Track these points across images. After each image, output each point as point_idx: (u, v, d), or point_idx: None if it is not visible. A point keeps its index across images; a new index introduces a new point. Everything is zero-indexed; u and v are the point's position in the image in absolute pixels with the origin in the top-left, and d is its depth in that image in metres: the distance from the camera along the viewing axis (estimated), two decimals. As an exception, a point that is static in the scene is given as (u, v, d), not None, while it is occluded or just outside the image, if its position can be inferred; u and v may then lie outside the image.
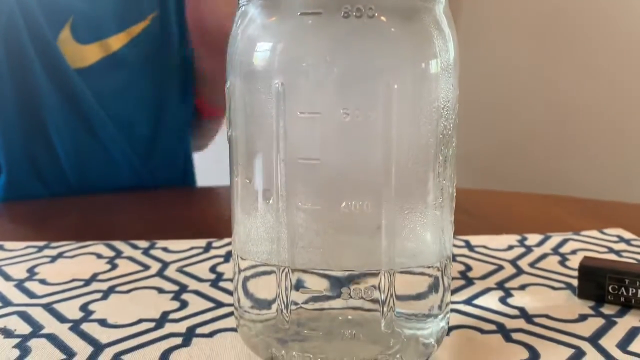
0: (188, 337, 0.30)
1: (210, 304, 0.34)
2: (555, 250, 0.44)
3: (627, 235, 0.47)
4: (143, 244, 0.45)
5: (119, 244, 0.45)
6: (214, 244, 0.45)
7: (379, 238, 0.26)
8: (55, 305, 0.34)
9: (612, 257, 0.42)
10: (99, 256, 0.43)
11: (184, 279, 0.38)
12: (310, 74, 0.25)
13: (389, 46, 0.25)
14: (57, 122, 0.64)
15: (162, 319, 0.32)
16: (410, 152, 0.25)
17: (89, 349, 0.29)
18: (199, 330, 0.31)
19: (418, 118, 0.25)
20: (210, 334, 0.31)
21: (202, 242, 0.45)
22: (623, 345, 0.29)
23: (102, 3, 0.65)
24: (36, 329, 0.31)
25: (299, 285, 0.27)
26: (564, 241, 0.45)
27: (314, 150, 0.25)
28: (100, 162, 0.68)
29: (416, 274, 0.28)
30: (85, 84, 0.64)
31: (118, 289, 0.37)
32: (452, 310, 0.33)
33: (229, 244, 0.45)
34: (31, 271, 0.40)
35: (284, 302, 0.27)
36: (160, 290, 0.36)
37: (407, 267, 0.27)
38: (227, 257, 0.42)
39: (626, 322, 0.32)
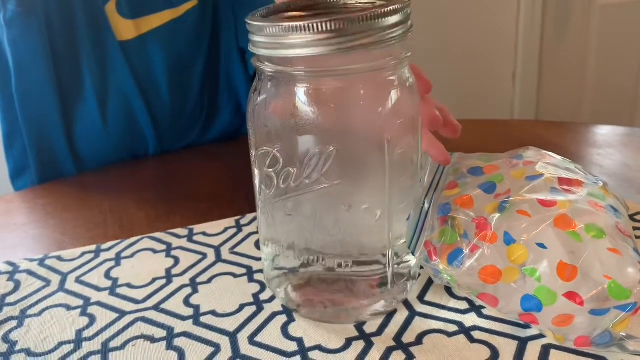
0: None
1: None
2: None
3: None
4: (182, 232, 0.50)
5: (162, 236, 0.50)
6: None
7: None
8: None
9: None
10: (154, 251, 0.48)
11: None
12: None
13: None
14: (93, 89, 0.65)
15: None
16: (399, 140, 0.32)
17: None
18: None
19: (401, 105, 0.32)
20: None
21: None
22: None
23: None
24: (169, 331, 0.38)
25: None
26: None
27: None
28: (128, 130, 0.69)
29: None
30: (124, 56, 0.65)
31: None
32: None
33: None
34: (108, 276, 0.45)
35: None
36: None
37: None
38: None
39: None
